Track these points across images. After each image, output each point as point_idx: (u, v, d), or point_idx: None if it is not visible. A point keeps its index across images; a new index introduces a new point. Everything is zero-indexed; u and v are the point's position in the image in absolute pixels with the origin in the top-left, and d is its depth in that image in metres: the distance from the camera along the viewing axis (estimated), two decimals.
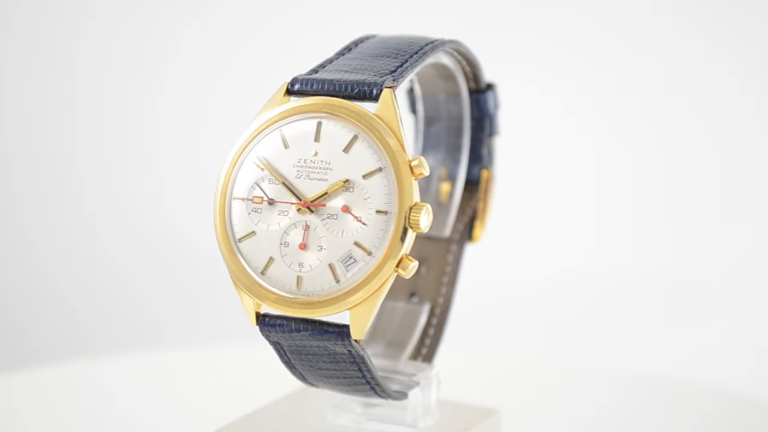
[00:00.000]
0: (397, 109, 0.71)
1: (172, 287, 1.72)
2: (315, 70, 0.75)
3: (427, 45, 0.77)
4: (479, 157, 0.89)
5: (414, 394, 0.79)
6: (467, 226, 0.89)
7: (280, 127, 0.73)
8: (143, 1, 1.73)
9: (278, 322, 0.73)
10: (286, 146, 0.72)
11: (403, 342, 0.85)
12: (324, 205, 0.71)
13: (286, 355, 0.75)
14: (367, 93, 0.71)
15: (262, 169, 0.72)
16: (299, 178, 0.72)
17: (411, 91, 0.88)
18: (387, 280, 0.70)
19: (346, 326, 0.71)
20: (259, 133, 0.73)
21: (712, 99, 1.68)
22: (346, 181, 0.71)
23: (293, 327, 0.72)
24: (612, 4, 1.68)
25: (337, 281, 0.70)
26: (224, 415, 0.90)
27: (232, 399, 0.93)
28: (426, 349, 0.86)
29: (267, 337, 0.74)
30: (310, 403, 0.85)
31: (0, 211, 1.75)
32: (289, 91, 0.74)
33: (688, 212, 1.69)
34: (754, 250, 1.66)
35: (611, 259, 1.70)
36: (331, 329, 0.71)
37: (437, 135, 0.88)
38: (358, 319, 0.71)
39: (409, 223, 0.70)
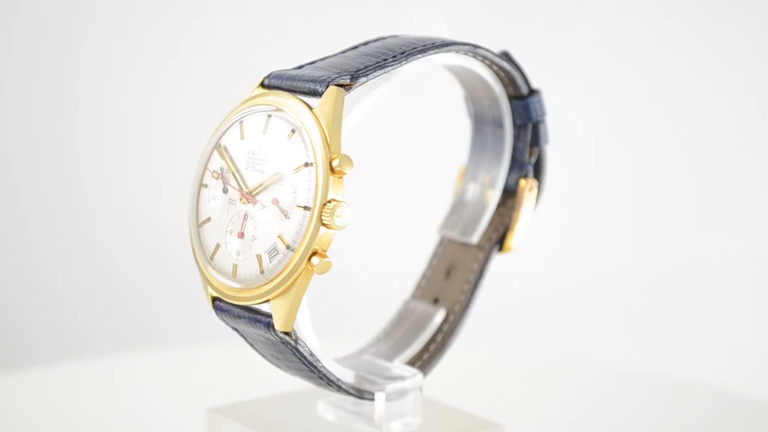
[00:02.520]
0: (335, 106, 0.72)
1: (172, 287, 1.72)
2: (300, 66, 0.76)
3: (419, 47, 0.76)
4: (521, 165, 0.86)
5: (379, 397, 0.79)
6: (502, 235, 0.86)
7: (241, 118, 0.75)
8: (143, 1, 1.73)
9: (226, 307, 0.75)
10: (242, 137, 0.75)
11: (408, 343, 0.85)
12: (257, 198, 0.73)
13: (247, 341, 0.77)
14: (315, 90, 0.73)
15: (222, 158, 0.75)
16: (247, 168, 0.74)
17: (466, 97, 0.87)
18: (300, 275, 0.71)
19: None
20: (226, 123, 0.76)
21: (714, 99, 1.68)
22: (279, 174, 0.72)
23: (236, 313, 0.74)
24: (613, 5, 1.68)
25: (261, 272, 0.72)
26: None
27: (231, 399, 0.93)
28: (428, 354, 0.85)
29: (223, 322, 0.76)
30: (305, 398, 0.86)
31: (0, 211, 1.75)
32: (264, 85, 0.76)
33: (689, 213, 1.69)
34: (755, 250, 1.66)
35: (611, 260, 1.70)
36: (261, 318, 0.73)
37: (484, 140, 0.86)
38: (278, 311, 0.72)
39: (322, 220, 0.70)
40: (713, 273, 1.66)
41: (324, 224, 0.70)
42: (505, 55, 0.82)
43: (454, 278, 0.86)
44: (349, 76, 0.73)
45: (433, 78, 0.83)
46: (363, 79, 0.73)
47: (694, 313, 1.65)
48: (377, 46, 0.77)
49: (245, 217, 0.73)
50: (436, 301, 0.86)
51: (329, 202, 0.70)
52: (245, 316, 0.74)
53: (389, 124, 1.62)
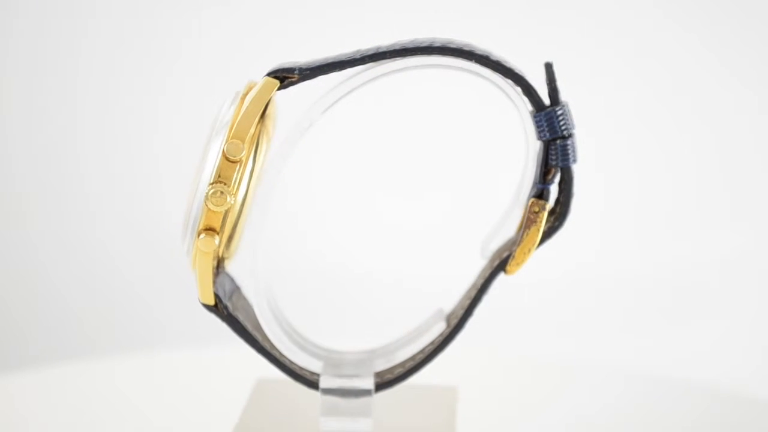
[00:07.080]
0: (258, 95, 0.75)
1: (173, 287, 1.72)
2: (312, 61, 0.78)
3: (395, 48, 0.75)
4: (537, 184, 0.79)
5: (320, 391, 0.82)
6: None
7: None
8: (144, 1, 1.73)
9: None
10: None
11: (403, 347, 0.84)
12: (202, 176, 0.77)
13: None
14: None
15: None
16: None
17: None
18: (197, 251, 0.75)
19: None
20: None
21: (716, 99, 1.68)
22: (211, 155, 0.76)
23: None
24: (614, 5, 1.68)
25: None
26: (225, 414, 0.90)
27: (231, 399, 0.93)
28: (412, 363, 0.83)
29: None
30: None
31: (0, 211, 1.75)
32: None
33: (690, 213, 1.69)
34: (755, 250, 1.66)
35: (611, 260, 1.70)
36: None
37: (524, 151, 0.81)
38: (196, 282, 0.77)
39: (204, 199, 0.74)
40: (714, 273, 1.66)
41: (205, 203, 0.74)
42: (547, 67, 0.78)
43: (468, 293, 0.84)
44: (296, 70, 0.75)
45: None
46: (315, 73, 0.75)
47: (695, 313, 1.65)
48: (369, 47, 0.77)
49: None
50: (450, 314, 0.84)
51: (214, 183, 0.74)
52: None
53: (466, 134, 1.62)
